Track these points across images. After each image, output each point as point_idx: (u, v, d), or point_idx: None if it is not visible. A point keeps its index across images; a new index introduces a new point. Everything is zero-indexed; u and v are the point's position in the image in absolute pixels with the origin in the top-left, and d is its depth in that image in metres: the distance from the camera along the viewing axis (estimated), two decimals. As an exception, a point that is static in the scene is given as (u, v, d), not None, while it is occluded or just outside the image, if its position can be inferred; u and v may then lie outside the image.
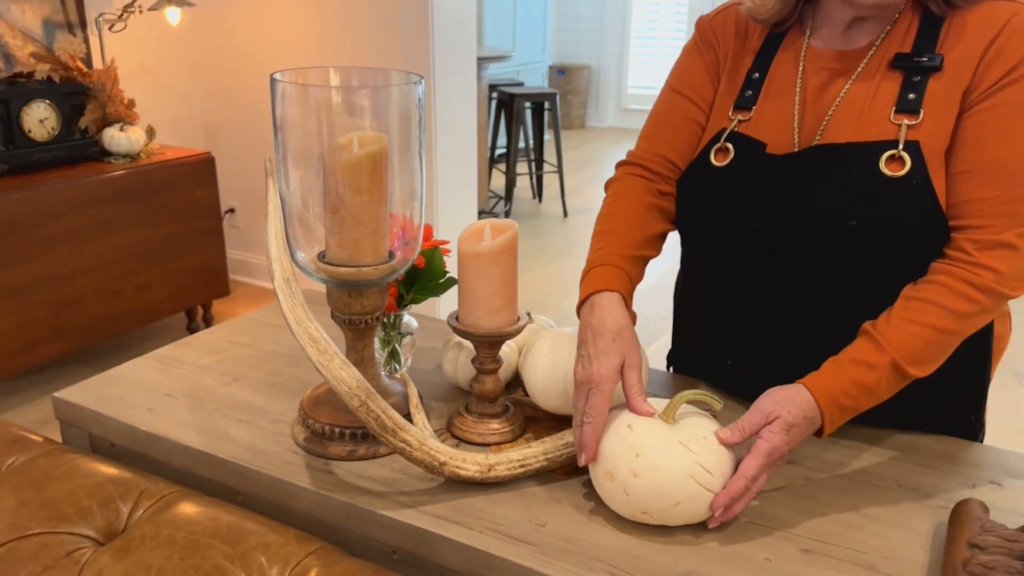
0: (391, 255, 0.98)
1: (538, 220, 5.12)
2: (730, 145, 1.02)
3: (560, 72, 7.76)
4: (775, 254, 0.98)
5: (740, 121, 1.03)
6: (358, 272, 0.93)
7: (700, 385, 1.16)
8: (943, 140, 0.91)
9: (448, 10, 3.06)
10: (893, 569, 0.80)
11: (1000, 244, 0.88)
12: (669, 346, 1.27)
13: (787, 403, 0.85)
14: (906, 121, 0.92)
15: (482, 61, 4.48)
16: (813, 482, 0.94)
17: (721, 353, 1.11)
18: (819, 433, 0.88)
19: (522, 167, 5.75)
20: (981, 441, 1.09)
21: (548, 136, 5.78)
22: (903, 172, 0.90)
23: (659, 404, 0.89)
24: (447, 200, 3.28)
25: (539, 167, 5.42)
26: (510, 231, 0.97)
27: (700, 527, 0.85)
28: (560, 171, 5.15)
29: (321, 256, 0.96)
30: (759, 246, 0.99)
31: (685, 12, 7.59)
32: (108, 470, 0.98)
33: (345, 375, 0.85)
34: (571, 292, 3.79)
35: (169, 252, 3.00)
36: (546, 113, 5.33)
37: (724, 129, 1.03)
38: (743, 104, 1.03)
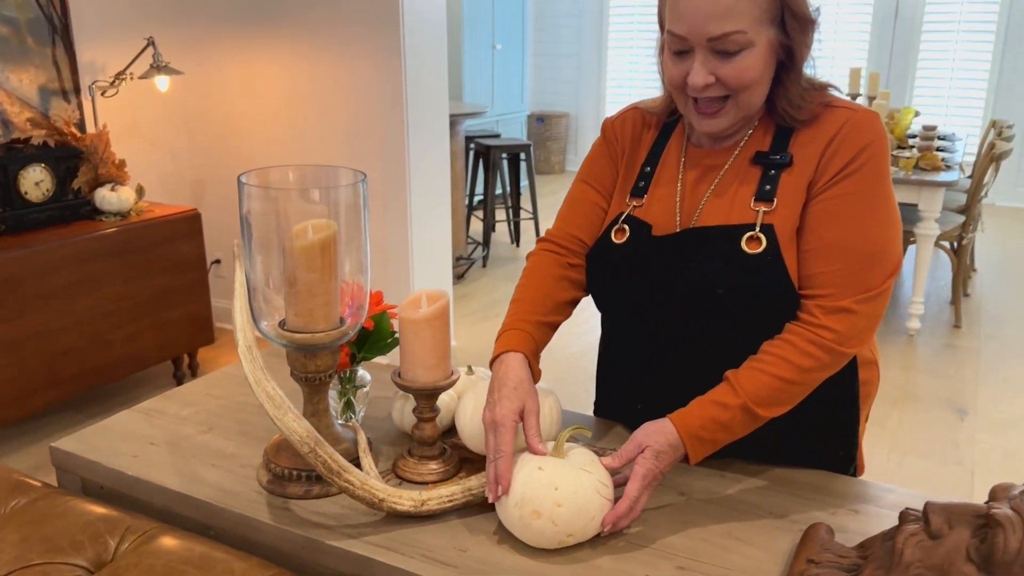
0: (342, 321, 1.15)
1: (516, 264, 5.31)
2: (626, 226, 1.21)
3: (540, 120, 8.02)
4: (661, 320, 1.17)
5: (635, 207, 1.22)
6: (312, 337, 1.11)
7: (616, 427, 1.33)
8: (793, 223, 1.10)
9: (421, 74, 3.28)
10: (749, 582, 0.97)
11: (840, 309, 1.07)
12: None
13: (655, 434, 1.05)
14: (763, 208, 1.11)
15: (459, 117, 4.71)
16: (696, 509, 1.11)
17: (631, 400, 1.29)
18: (688, 459, 1.06)
19: (500, 213, 5.96)
20: (853, 474, 1.27)
21: (526, 182, 6.00)
22: (760, 250, 1.09)
23: (547, 445, 1.06)
24: (422, 247, 3.47)
25: (516, 214, 5.64)
26: (441, 300, 1.15)
27: (592, 549, 1.02)
28: (535, 217, 5.36)
29: (281, 324, 1.13)
30: (648, 315, 1.18)
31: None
32: (98, 509, 1.14)
33: (297, 426, 1.02)
34: (544, 335, 3.98)
35: (157, 304, 3.17)
36: (522, 162, 5.56)
37: (622, 213, 1.23)
38: (637, 192, 1.23)
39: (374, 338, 1.28)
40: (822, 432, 1.22)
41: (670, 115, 1.25)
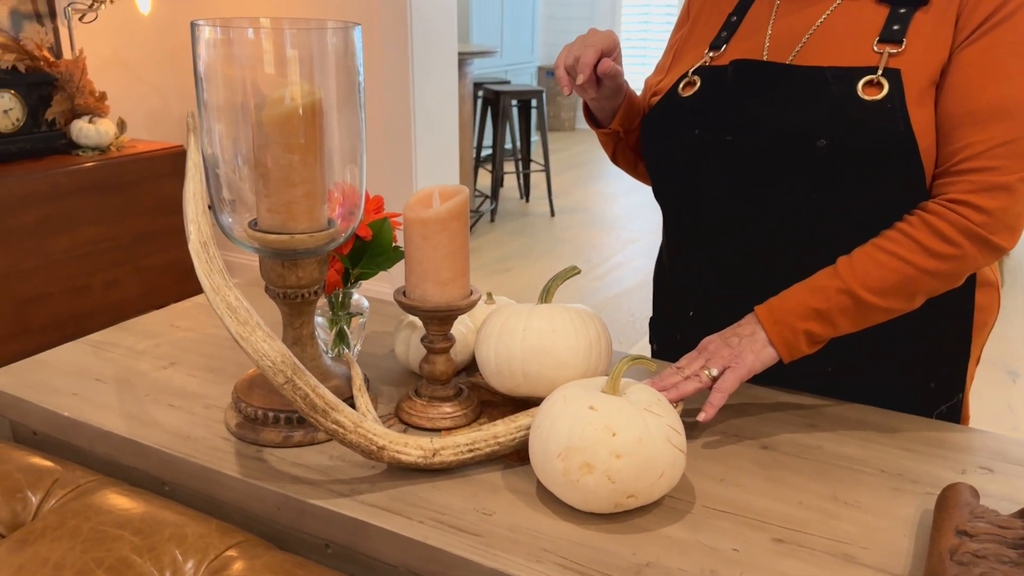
0: (331, 223, 0.90)
1: (525, 219, 5.04)
2: (697, 77, 1.00)
3: (549, 73, 7.68)
4: (735, 189, 0.94)
5: (711, 58, 1.01)
6: (291, 240, 0.86)
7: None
8: (927, 72, 0.87)
9: (427, 4, 2.99)
10: (874, 559, 0.72)
11: (997, 186, 0.84)
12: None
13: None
14: (889, 50, 0.88)
15: (467, 56, 4.41)
16: (787, 468, 0.86)
17: (686, 308, 1.07)
18: (781, 359, 0.87)
19: (509, 167, 5.68)
20: (963, 422, 1.02)
21: (536, 137, 5.71)
22: (880, 96, 0.86)
23: (595, 381, 0.82)
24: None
25: (526, 166, 5.35)
26: (459, 196, 0.90)
27: (659, 514, 0.78)
28: (547, 170, 5.08)
29: (253, 224, 0.88)
30: (718, 185, 0.95)
31: (675, 16, 7.55)
32: (21, 458, 0.90)
33: (268, 348, 0.77)
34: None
35: (139, 248, 2.91)
36: (533, 112, 5.27)
37: (694, 65, 1.02)
38: (716, 44, 1.02)
39: (373, 251, 1.03)
40: (923, 368, 0.97)
41: None
